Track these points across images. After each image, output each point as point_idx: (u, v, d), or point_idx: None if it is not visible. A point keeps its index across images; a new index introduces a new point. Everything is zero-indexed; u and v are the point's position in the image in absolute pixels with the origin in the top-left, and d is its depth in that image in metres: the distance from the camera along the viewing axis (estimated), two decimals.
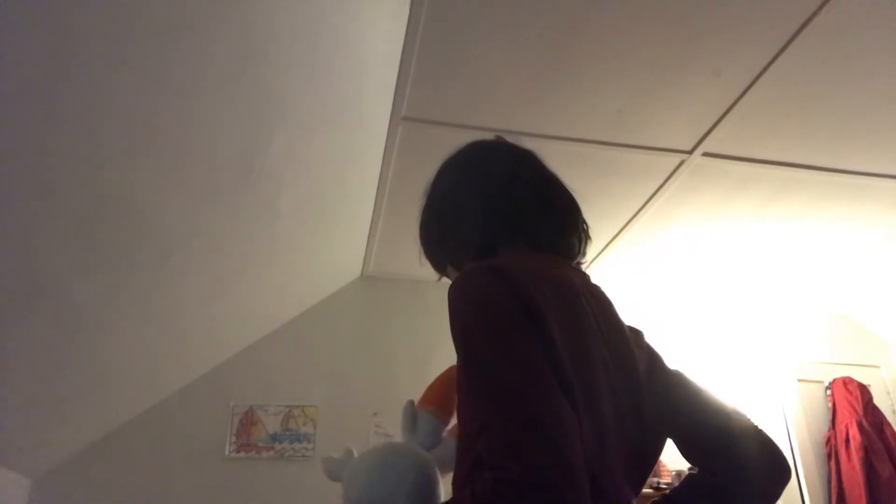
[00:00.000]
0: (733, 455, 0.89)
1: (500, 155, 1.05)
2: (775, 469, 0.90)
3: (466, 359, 0.73)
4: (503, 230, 0.94)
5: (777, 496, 0.90)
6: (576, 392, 0.72)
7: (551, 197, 0.99)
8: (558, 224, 0.98)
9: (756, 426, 0.92)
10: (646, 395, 0.87)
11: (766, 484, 0.89)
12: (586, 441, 0.70)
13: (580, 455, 0.64)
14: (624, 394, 0.83)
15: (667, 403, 0.90)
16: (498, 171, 1.00)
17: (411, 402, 1.10)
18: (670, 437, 0.93)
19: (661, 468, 3.11)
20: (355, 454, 1.06)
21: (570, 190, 1.02)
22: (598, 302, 0.91)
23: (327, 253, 3.05)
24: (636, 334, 0.98)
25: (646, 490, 1.05)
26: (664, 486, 2.99)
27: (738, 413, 0.94)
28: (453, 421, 1.05)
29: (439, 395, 1.10)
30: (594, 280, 0.97)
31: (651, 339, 1.01)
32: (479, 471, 0.63)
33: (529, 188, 0.98)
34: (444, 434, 1.10)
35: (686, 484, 0.91)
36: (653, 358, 0.96)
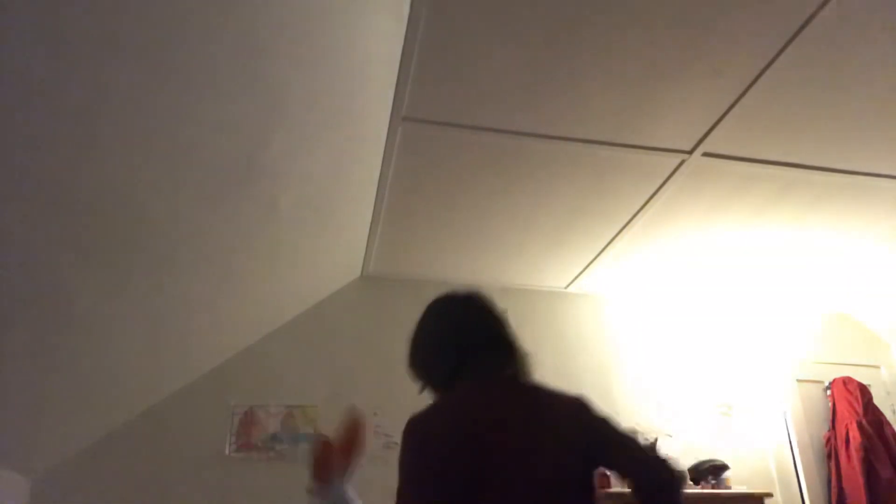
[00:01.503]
0: (655, 479, 1.24)
1: (451, 308, 1.44)
2: (671, 481, 1.26)
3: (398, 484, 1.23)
4: (452, 369, 1.33)
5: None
6: (473, 485, 1.15)
7: (490, 338, 1.37)
8: (498, 359, 1.35)
9: (662, 458, 1.27)
10: (568, 456, 1.22)
11: (669, 493, 1.25)
12: None
13: None
14: (541, 465, 1.19)
15: (605, 454, 1.27)
16: (449, 323, 1.41)
17: (315, 481, 1.46)
18: (618, 475, 1.34)
19: None
20: None
21: (509, 329, 1.40)
22: (525, 405, 1.27)
23: (327, 253, 3.05)
24: (578, 410, 1.29)
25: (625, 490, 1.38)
26: None
27: (650, 449, 1.33)
28: None
29: (326, 470, 1.47)
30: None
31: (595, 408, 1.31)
32: None
33: (473, 334, 1.37)
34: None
35: None
36: (591, 425, 1.28)
